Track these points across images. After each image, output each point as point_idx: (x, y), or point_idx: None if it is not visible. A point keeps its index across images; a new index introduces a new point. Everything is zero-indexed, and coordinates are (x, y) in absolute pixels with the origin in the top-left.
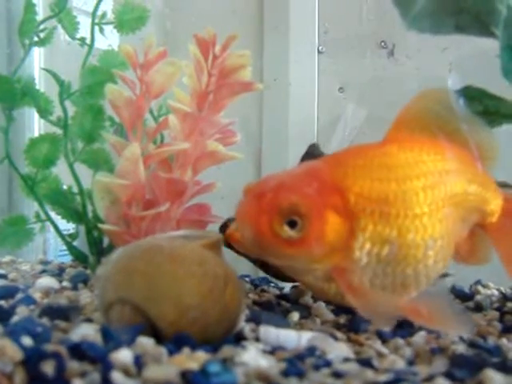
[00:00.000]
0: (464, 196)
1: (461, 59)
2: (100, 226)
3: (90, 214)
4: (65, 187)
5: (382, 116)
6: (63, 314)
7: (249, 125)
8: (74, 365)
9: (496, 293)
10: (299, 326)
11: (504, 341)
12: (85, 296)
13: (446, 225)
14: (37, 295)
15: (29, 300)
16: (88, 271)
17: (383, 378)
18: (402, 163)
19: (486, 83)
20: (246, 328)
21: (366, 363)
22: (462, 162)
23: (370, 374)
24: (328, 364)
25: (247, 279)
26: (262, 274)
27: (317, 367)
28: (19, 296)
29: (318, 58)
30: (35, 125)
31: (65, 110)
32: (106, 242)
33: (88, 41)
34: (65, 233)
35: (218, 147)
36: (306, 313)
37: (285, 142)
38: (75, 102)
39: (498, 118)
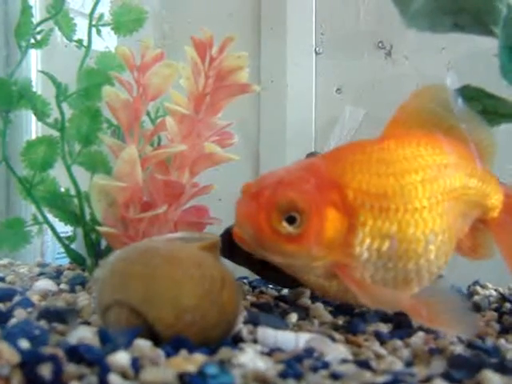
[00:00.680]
0: (464, 190)
1: (459, 59)
2: (97, 228)
3: (88, 217)
4: (62, 190)
5: (380, 117)
6: (61, 316)
7: (246, 126)
8: (71, 368)
9: (494, 293)
10: (297, 328)
11: (502, 341)
12: (82, 299)
13: (446, 219)
14: (34, 298)
15: (26, 303)
16: (86, 274)
17: (381, 379)
18: (400, 158)
19: (483, 83)
20: (244, 330)
21: (363, 364)
22: (460, 156)
23: (367, 375)
24: (326, 365)
25: (245, 281)
26: None
27: (314, 369)
28: (17, 299)
29: (315, 59)
30: (32, 127)
31: (62, 113)
32: (103, 244)
33: (85, 43)
34: (63, 235)
35: (215, 149)
36: (304, 314)
37: (282, 143)
38: (72, 104)
39: (497, 118)
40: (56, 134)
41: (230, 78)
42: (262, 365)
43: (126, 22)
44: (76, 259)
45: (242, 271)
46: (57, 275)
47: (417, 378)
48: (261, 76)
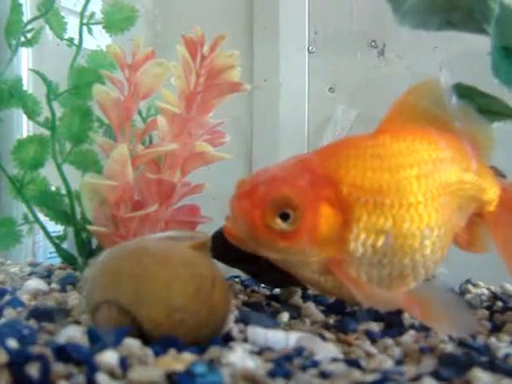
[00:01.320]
0: (460, 185)
1: (451, 58)
2: (88, 227)
3: (79, 216)
4: (53, 189)
5: (373, 116)
6: (50, 316)
7: (239, 125)
8: (59, 367)
9: (486, 292)
10: (288, 327)
11: (493, 340)
12: (73, 298)
13: (442, 214)
14: (25, 297)
15: (16, 302)
16: (77, 273)
17: (370, 378)
18: (394, 153)
19: (476, 82)
20: (235, 329)
21: (353, 363)
22: (456, 151)
23: (356, 374)
24: (315, 364)
25: (237, 280)
26: None
27: (304, 368)
28: (7, 298)
29: (308, 58)
30: (24, 126)
31: (52, 111)
32: (94, 243)
33: (76, 41)
34: (55, 235)
35: (206, 148)
36: (296, 313)
37: (275, 142)
38: (63, 103)
39: (489, 116)
40: (47, 132)
41: (222, 76)
42: (252, 364)
43: (117, 21)
44: (67, 258)
45: (234, 270)
46: (48, 275)
47: (406, 376)
48: (254, 75)
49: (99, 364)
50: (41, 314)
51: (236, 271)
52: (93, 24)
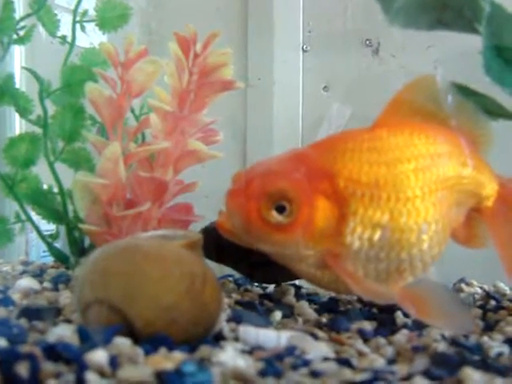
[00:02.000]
0: (458, 179)
1: (446, 57)
2: (81, 226)
3: (71, 214)
4: (45, 187)
5: (367, 115)
6: (41, 315)
7: (233, 124)
8: (48, 366)
9: (479, 291)
10: (281, 326)
11: (485, 339)
12: (65, 297)
13: (439, 209)
14: (16, 296)
15: (7, 301)
16: (69, 272)
17: (360, 377)
18: (392, 147)
19: (471, 81)
20: (226, 328)
21: (344, 362)
22: (454, 145)
23: (347, 373)
24: (306, 363)
25: (231, 279)
26: None
27: (295, 367)
28: None
29: (302, 57)
30: (16, 124)
31: (44, 109)
32: (87, 242)
33: (69, 39)
34: (48, 233)
35: (199, 146)
36: (289, 312)
37: (269, 141)
38: (55, 100)
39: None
40: (39, 130)
41: (215, 74)
42: (242, 363)
43: (110, 18)
44: (59, 257)
45: (227, 269)
46: (40, 273)
47: (397, 375)
48: (248, 73)
49: (89, 363)
50: (32, 313)
51: (229, 270)
52: (86, 22)
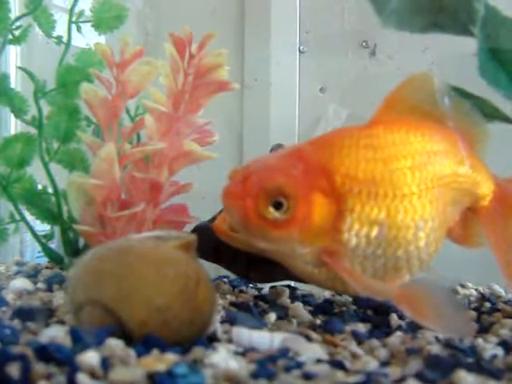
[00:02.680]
0: (454, 177)
1: (442, 59)
2: (75, 226)
3: (65, 215)
4: (39, 187)
5: (364, 116)
6: (34, 315)
7: (230, 125)
8: (40, 367)
9: (474, 293)
10: (275, 327)
11: (480, 341)
12: (58, 298)
13: (436, 206)
14: (9, 297)
15: (1, 302)
16: (64, 272)
17: (353, 379)
18: (388, 144)
19: (467, 83)
20: (220, 329)
21: (337, 365)
22: (450, 144)
23: (340, 375)
24: (299, 365)
25: (226, 280)
26: None
27: (288, 369)
28: None
29: (299, 58)
30: (11, 124)
31: (40, 110)
32: (81, 242)
33: (65, 39)
34: (42, 234)
35: (194, 147)
36: (283, 313)
37: (266, 142)
38: (51, 101)
39: None
40: (34, 131)
41: (210, 75)
42: (234, 365)
43: (106, 19)
44: (53, 258)
45: (222, 270)
46: (34, 274)
47: (390, 378)
48: (244, 74)
49: (80, 364)
50: (25, 314)
51: (224, 271)
52: (82, 22)
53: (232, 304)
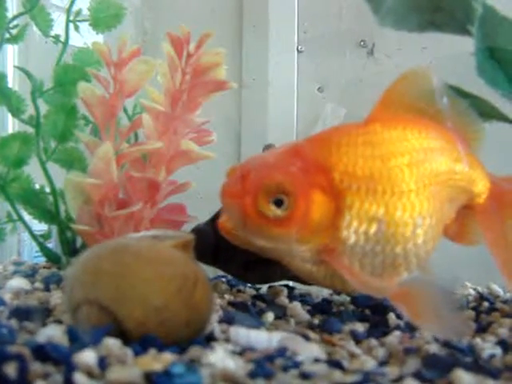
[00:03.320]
0: (450, 175)
1: (440, 58)
2: (72, 226)
3: (63, 214)
4: (37, 187)
5: (362, 115)
6: (31, 315)
7: (228, 124)
8: (37, 366)
9: (473, 292)
10: (273, 327)
11: (478, 340)
12: (56, 297)
13: (433, 203)
14: (7, 296)
15: None
16: (61, 272)
17: (351, 378)
18: (385, 141)
19: (465, 82)
20: (217, 329)
21: (335, 364)
22: (447, 141)
23: (337, 374)
24: (297, 365)
25: (223, 279)
26: None
27: (285, 368)
28: None
29: (297, 58)
30: (9, 123)
31: (37, 109)
32: (79, 242)
33: (63, 38)
34: (40, 233)
35: (191, 146)
36: (281, 313)
37: (264, 141)
38: (48, 100)
39: None
40: (32, 130)
41: (207, 74)
42: (232, 364)
43: (104, 18)
44: (51, 257)
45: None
46: (32, 273)
47: (388, 377)
48: (242, 74)
49: (77, 363)
50: (22, 313)
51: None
52: (79, 21)
53: (230, 303)
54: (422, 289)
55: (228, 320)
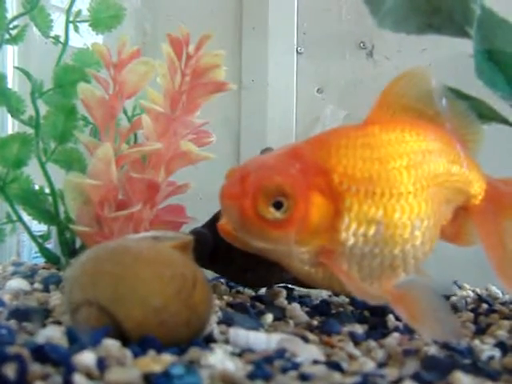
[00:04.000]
0: (447, 176)
1: (440, 60)
2: (72, 227)
3: (62, 215)
4: (36, 187)
5: (361, 117)
6: (30, 316)
7: (227, 125)
8: (36, 367)
9: (471, 294)
10: (272, 328)
11: (477, 342)
12: (55, 298)
13: (431, 205)
14: (6, 297)
15: None
16: (61, 273)
17: (350, 380)
18: (384, 143)
19: (464, 84)
20: (217, 330)
21: (334, 366)
22: (444, 142)
23: (337, 376)
24: (296, 367)
25: (222, 281)
26: None
27: (284, 370)
28: None
29: (296, 59)
30: (8, 124)
31: (36, 109)
32: (78, 243)
33: (63, 39)
34: (39, 234)
35: (191, 147)
36: (280, 314)
37: (263, 142)
38: (48, 101)
39: None
40: (31, 131)
41: (207, 76)
42: (231, 365)
43: (104, 19)
44: (50, 258)
45: None
46: (31, 274)
47: (387, 379)
48: (242, 75)
49: (76, 365)
50: (21, 314)
51: None
52: (79, 22)
53: (229, 305)
54: (418, 291)
55: (227, 321)
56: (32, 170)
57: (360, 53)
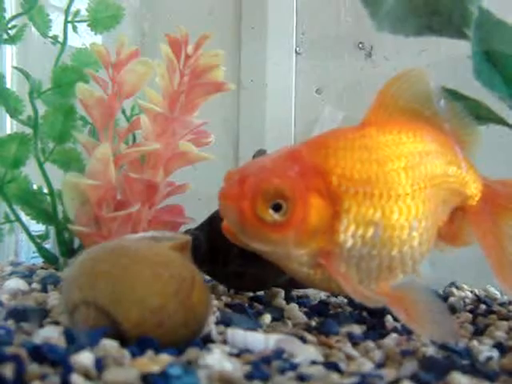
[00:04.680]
0: (444, 178)
1: (438, 61)
2: (70, 227)
3: (61, 215)
4: (35, 187)
5: (360, 118)
6: (29, 316)
7: (226, 126)
8: (34, 368)
9: (470, 295)
10: (270, 329)
11: (475, 343)
12: (53, 298)
13: (428, 206)
14: (4, 297)
15: None
16: (59, 273)
17: (348, 381)
18: (381, 145)
19: (463, 85)
20: (215, 330)
21: (332, 366)
22: (440, 144)
23: (335, 377)
24: (294, 367)
25: None
26: None
27: (282, 370)
28: None
29: (295, 59)
30: (7, 124)
31: (35, 109)
32: (76, 243)
33: (61, 39)
34: (38, 234)
35: (189, 148)
36: (279, 315)
37: (262, 143)
38: (46, 101)
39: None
40: (30, 131)
41: (206, 76)
42: (229, 366)
43: (102, 19)
44: (48, 258)
45: None
46: (29, 274)
47: (385, 380)
48: (241, 75)
49: (74, 365)
50: (19, 314)
51: None
52: (78, 22)
53: (227, 305)
54: (416, 292)
55: (225, 322)
56: (30, 170)
57: (359, 53)
